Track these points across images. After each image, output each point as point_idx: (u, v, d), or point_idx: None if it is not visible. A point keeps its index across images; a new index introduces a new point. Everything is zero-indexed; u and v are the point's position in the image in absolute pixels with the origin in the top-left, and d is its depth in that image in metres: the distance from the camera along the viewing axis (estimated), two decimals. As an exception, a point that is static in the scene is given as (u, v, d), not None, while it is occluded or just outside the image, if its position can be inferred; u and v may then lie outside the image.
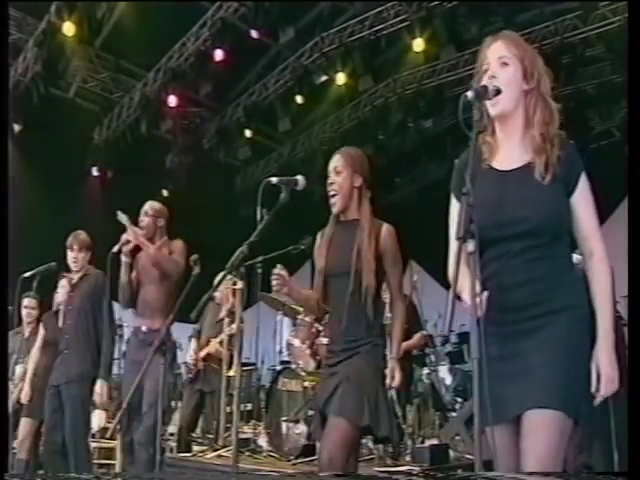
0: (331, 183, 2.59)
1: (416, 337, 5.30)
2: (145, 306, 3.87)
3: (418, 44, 8.08)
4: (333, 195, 2.58)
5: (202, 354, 5.60)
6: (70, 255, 4.24)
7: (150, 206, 4.04)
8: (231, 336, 5.18)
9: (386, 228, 2.58)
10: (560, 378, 1.69)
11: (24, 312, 4.96)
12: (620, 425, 3.77)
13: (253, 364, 7.65)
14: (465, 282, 1.67)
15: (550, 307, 1.75)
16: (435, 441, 4.71)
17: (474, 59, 1.99)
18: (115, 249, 3.68)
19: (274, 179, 2.54)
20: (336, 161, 2.64)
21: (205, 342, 5.67)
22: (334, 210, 2.60)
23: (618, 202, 7.66)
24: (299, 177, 2.57)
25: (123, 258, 3.74)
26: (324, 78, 9.27)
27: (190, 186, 10.17)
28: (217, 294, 5.48)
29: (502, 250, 1.79)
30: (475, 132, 1.83)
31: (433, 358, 5.40)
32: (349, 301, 2.44)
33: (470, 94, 1.81)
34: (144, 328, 3.80)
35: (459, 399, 5.76)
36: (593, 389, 1.71)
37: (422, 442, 4.85)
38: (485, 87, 1.82)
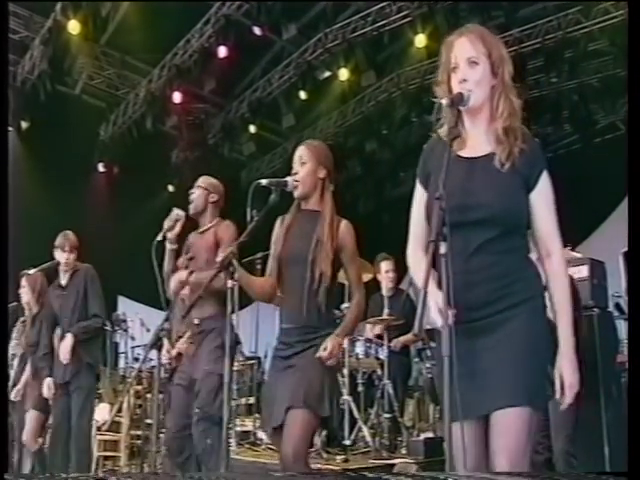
0: (295, 173, 2.62)
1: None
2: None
3: (420, 40, 8.10)
4: (296, 185, 2.60)
5: (174, 352, 5.57)
6: (62, 255, 4.29)
7: (203, 180, 3.71)
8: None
9: (345, 224, 2.60)
10: (523, 373, 1.72)
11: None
12: (612, 421, 3.83)
13: (257, 358, 7.74)
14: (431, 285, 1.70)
15: (510, 302, 1.78)
16: (430, 434, 4.78)
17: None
18: (159, 237, 3.30)
19: (264, 181, 2.59)
20: (301, 152, 2.67)
21: (176, 339, 5.63)
22: (295, 194, 2.62)
23: (623, 195, 7.67)
24: (288, 178, 2.64)
25: (168, 245, 3.38)
26: (327, 74, 9.30)
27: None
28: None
29: (463, 241, 1.79)
30: (450, 138, 1.89)
31: (429, 353, 5.45)
32: (306, 290, 2.46)
33: (445, 101, 1.87)
34: (196, 320, 3.40)
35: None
36: (557, 396, 1.75)
37: (418, 435, 4.93)
38: (461, 94, 1.85)
